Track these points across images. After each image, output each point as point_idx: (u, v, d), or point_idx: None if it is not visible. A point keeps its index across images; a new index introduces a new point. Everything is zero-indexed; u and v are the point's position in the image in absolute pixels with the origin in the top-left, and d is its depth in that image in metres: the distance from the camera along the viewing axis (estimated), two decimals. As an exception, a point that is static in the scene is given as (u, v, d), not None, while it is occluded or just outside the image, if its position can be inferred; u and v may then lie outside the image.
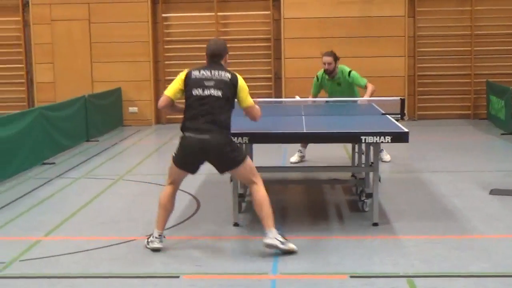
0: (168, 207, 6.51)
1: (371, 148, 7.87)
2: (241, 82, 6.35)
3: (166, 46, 16.84)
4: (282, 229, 6.85)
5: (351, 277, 5.65)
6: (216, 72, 6.29)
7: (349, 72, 10.14)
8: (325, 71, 10.13)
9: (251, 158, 7.55)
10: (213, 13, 16.56)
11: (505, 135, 13.46)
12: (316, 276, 5.71)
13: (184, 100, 6.41)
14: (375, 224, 7.13)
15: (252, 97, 6.51)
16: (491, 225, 7.20)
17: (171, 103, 6.47)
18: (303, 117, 8.35)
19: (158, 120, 16.98)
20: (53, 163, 11.30)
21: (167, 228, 6.74)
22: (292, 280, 5.66)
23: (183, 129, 6.33)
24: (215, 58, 6.41)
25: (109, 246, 6.66)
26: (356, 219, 7.52)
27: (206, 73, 6.29)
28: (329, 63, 10.04)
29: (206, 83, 6.25)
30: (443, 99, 16.61)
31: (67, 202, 8.75)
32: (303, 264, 5.97)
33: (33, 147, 10.81)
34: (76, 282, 5.76)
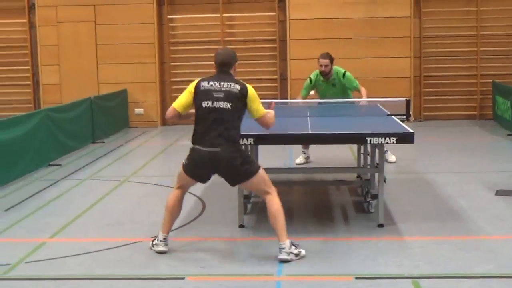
0: (174, 211, 6.47)
1: (377, 149, 7.87)
2: (251, 92, 6.22)
3: (171, 48, 16.86)
4: (288, 231, 6.85)
5: (357, 278, 5.65)
6: (225, 84, 6.20)
7: (344, 73, 10.23)
8: (322, 73, 10.15)
9: (256, 159, 7.56)
10: (219, 15, 16.56)
11: (511, 136, 13.43)
12: (321, 278, 5.70)
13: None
14: (381, 225, 7.12)
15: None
16: (496, 226, 7.18)
17: (178, 115, 6.41)
18: (308, 118, 8.35)
19: (164, 122, 16.99)
20: (59, 164, 11.33)
21: (173, 230, 6.74)
22: (297, 281, 5.65)
23: (193, 141, 6.26)
24: (224, 67, 6.35)
25: (114, 247, 6.67)
26: (361, 220, 7.51)
27: (215, 84, 6.21)
28: (326, 65, 10.11)
29: (216, 95, 6.16)
30: (449, 99, 16.59)
31: (73, 203, 8.76)
32: (308, 266, 5.97)
33: (39, 149, 10.83)
34: (81, 283, 5.76)
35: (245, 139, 6.64)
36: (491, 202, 8.22)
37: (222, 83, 6.20)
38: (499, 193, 8.55)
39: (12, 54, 17.21)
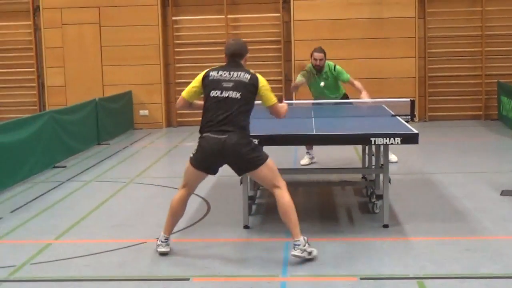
0: (178, 212, 6.39)
1: (381, 149, 7.86)
2: (262, 81, 6.20)
3: (176, 49, 16.87)
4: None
5: (361, 279, 5.64)
6: (235, 73, 6.18)
7: (334, 66, 10.34)
8: (316, 67, 10.20)
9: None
10: (223, 16, 16.58)
11: (516, 136, 13.43)
12: (326, 278, 5.70)
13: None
14: (386, 226, 7.11)
15: None
16: (502, 226, 7.17)
17: (188, 104, 6.38)
18: (313, 119, 8.35)
19: (169, 123, 17.02)
20: (64, 166, 11.34)
21: (178, 231, 6.75)
22: (302, 282, 5.65)
23: (201, 130, 6.20)
24: (236, 57, 6.31)
25: (119, 249, 6.67)
26: (366, 220, 7.51)
27: (224, 74, 6.18)
28: (321, 59, 10.20)
29: (225, 84, 6.12)
30: (454, 100, 16.57)
31: (78, 205, 8.77)
32: (313, 266, 5.97)
33: (44, 151, 10.85)
34: (86, 285, 5.78)
35: (250, 140, 6.62)
36: (497, 203, 8.20)
37: (231, 73, 6.17)
38: (504, 193, 8.53)
39: (17, 56, 17.25)
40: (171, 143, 14.48)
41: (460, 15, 16.38)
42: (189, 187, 6.37)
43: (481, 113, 16.56)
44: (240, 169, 6.27)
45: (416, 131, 6.81)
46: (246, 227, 7.26)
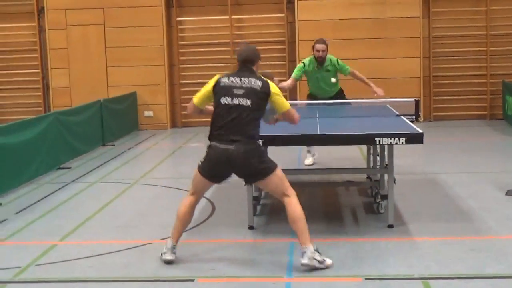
0: (185, 219, 6.28)
1: (386, 149, 7.85)
2: (273, 88, 6.09)
3: (180, 50, 16.88)
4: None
5: (366, 279, 5.63)
6: (246, 80, 6.04)
7: (337, 60, 10.37)
8: (318, 59, 10.20)
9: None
10: (227, 17, 16.58)
11: (521, 136, 13.40)
12: (331, 279, 5.69)
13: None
14: (390, 226, 7.10)
15: None
16: (507, 226, 7.16)
17: (198, 110, 6.29)
18: (317, 119, 8.34)
19: (174, 124, 17.03)
20: (69, 167, 11.36)
21: (183, 232, 6.72)
22: (306, 283, 5.65)
23: (210, 138, 6.12)
24: (248, 63, 6.19)
25: (124, 250, 6.68)
26: (371, 221, 7.50)
27: (235, 80, 6.07)
28: (323, 50, 10.20)
29: (236, 91, 6.01)
30: (459, 100, 16.55)
31: (83, 206, 8.78)
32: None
33: (49, 152, 10.86)
34: (91, 286, 5.78)
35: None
36: (502, 203, 8.19)
37: (243, 79, 6.06)
38: (509, 193, 8.51)
39: (22, 57, 17.28)
40: (175, 144, 14.48)
41: (464, 14, 16.36)
42: (197, 194, 6.30)
43: (486, 112, 16.53)
44: (248, 179, 6.21)
45: (421, 131, 6.80)
46: (251, 227, 7.26)
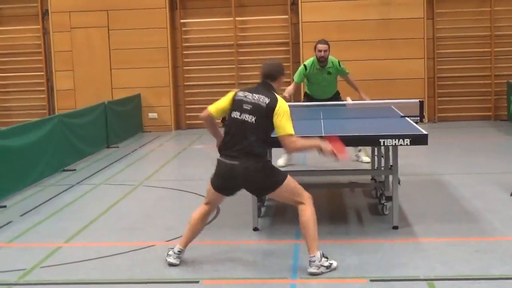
0: (195, 227, 6.24)
1: (390, 150, 7.85)
2: (279, 107, 5.85)
3: (185, 52, 16.90)
4: (301, 233, 6.85)
5: (371, 281, 5.62)
6: (257, 95, 5.92)
7: (339, 62, 10.44)
8: (320, 59, 10.22)
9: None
10: (231, 18, 16.59)
11: (526, 136, 13.37)
12: (336, 280, 5.69)
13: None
14: (395, 227, 7.09)
15: None
16: (512, 227, 7.15)
17: (211, 119, 6.18)
18: (322, 120, 8.33)
19: (178, 126, 17.03)
20: (74, 169, 11.37)
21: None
22: (311, 284, 5.64)
23: (219, 151, 6.10)
24: (267, 79, 6.07)
25: (129, 252, 6.68)
26: (376, 222, 7.49)
27: (248, 96, 5.98)
28: (325, 51, 10.25)
29: (245, 107, 5.90)
30: (463, 100, 16.53)
31: (88, 208, 8.79)
32: (323, 268, 5.95)
33: (54, 154, 10.88)
34: (96, 288, 5.79)
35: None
36: (507, 203, 8.17)
37: (254, 95, 5.96)
38: (514, 194, 8.51)
39: (26, 60, 17.32)
40: (180, 145, 14.49)
41: (469, 15, 16.34)
42: (211, 204, 6.26)
43: (490, 113, 16.51)
44: (256, 193, 6.25)
45: (425, 132, 6.78)
46: (255, 229, 7.26)
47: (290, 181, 5.97)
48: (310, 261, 5.84)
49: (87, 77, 16.72)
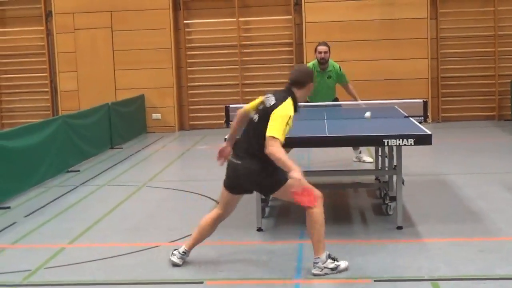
0: (204, 229, 6.22)
1: (394, 151, 7.84)
2: (277, 110, 5.74)
3: (188, 53, 16.90)
4: (305, 234, 6.86)
5: (376, 281, 5.62)
6: (272, 98, 5.87)
7: (339, 67, 10.50)
8: (320, 61, 10.27)
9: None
10: (235, 19, 16.58)
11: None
12: (340, 281, 5.68)
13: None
14: (399, 228, 7.08)
15: None
16: (517, 227, 7.14)
17: (244, 114, 6.17)
18: (325, 121, 8.33)
19: (181, 127, 17.03)
20: (78, 170, 11.38)
21: (191, 234, 6.71)
22: (316, 284, 5.64)
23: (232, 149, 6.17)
24: (292, 84, 5.98)
25: (133, 252, 6.68)
26: (380, 222, 7.48)
27: (268, 97, 5.94)
28: (325, 52, 10.30)
29: (259, 107, 5.94)
30: (467, 100, 16.51)
31: (92, 209, 8.79)
32: (327, 269, 5.95)
33: (58, 155, 10.89)
34: (100, 289, 5.79)
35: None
36: (511, 203, 8.16)
37: (272, 97, 5.92)
38: (519, 193, 8.50)
39: (30, 61, 17.35)
40: (183, 146, 14.49)
41: (472, 15, 16.31)
42: (223, 208, 6.23)
43: (494, 113, 16.48)
44: (262, 192, 6.28)
45: (429, 132, 6.78)
46: (259, 229, 7.25)
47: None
48: (314, 263, 5.83)
49: (90, 78, 16.73)
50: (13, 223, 8.01)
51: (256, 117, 5.92)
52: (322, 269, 5.79)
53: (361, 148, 11.20)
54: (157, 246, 6.85)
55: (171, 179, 10.73)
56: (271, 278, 5.83)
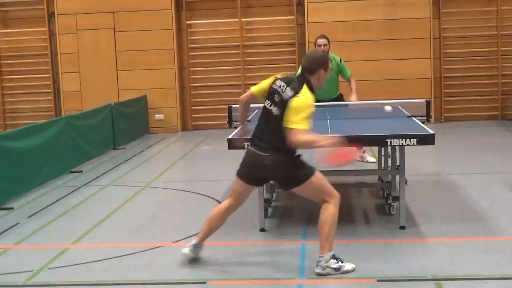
0: (212, 221, 6.18)
1: (397, 151, 7.83)
2: (296, 102, 5.60)
3: (191, 53, 16.90)
4: (309, 233, 6.87)
5: (379, 281, 5.61)
6: (288, 87, 5.70)
7: (340, 59, 10.45)
8: None
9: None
10: (237, 19, 16.58)
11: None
12: (343, 281, 5.68)
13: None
14: (402, 227, 7.08)
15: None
16: (520, 227, 7.13)
17: (251, 97, 6.12)
18: (328, 121, 8.33)
19: (184, 127, 17.04)
20: (81, 171, 11.39)
21: (194, 234, 6.72)
22: (319, 284, 5.64)
23: (250, 139, 6.06)
24: (305, 71, 5.80)
25: (136, 253, 6.68)
26: (383, 222, 7.48)
27: (281, 86, 5.75)
28: (325, 45, 10.26)
29: (275, 98, 5.74)
30: (470, 100, 16.49)
31: (95, 210, 8.80)
32: (330, 269, 5.94)
33: (61, 156, 10.89)
34: (103, 289, 5.80)
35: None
36: (514, 203, 8.17)
37: (286, 86, 5.74)
38: (522, 193, 8.49)
39: (33, 62, 17.36)
40: (186, 147, 14.48)
41: (475, 15, 16.30)
42: (234, 198, 6.15)
43: (497, 113, 16.47)
44: (283, 186, 6.09)
45: (432, 132, 6.77)
46: (262, 230, 7.24)
47: (318, 177, 5.85)
48: (317, 261, 5.83)
49: (93, 79, 16.75)
50: (16, 224, 8.02)
51: (275, 110, 5.75)
52: (324, 268, 5.77)
53: (365, 148, 11.17)
54: (160, 247, 6.85)
55: (174, 180, 10.73)
56: (274, 278, 5.82)
